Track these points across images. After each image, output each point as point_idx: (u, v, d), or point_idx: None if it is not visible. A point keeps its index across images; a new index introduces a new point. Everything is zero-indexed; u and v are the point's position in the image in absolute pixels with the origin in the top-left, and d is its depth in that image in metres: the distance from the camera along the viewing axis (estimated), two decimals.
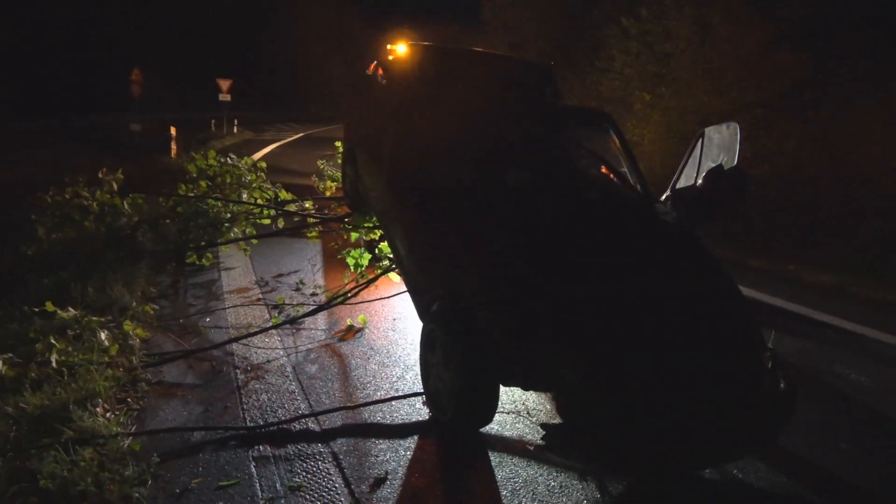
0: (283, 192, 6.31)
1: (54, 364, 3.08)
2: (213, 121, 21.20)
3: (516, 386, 2.75)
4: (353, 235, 4.56)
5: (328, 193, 6.39)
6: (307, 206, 5.97)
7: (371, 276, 4.46)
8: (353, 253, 4.44)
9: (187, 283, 5.00)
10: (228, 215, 5.63)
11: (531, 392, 3.33)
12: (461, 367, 2.76)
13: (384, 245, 4.55)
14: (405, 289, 4.16)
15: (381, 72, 4.56)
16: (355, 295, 4.37)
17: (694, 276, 2.93)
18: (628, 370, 2.41)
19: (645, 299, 2.67)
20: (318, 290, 4.98)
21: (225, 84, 20.19)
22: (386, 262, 4.56)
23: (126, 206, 5.44)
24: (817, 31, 8.78)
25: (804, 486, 2.83)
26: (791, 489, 2.79)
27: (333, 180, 6.44)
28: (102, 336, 3.41)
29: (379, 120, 4.16)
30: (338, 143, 6.37)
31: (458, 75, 4.05)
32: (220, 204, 5.61)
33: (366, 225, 4.60)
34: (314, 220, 5.29)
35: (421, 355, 3.17)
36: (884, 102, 7.98)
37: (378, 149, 3.97)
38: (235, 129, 22.33)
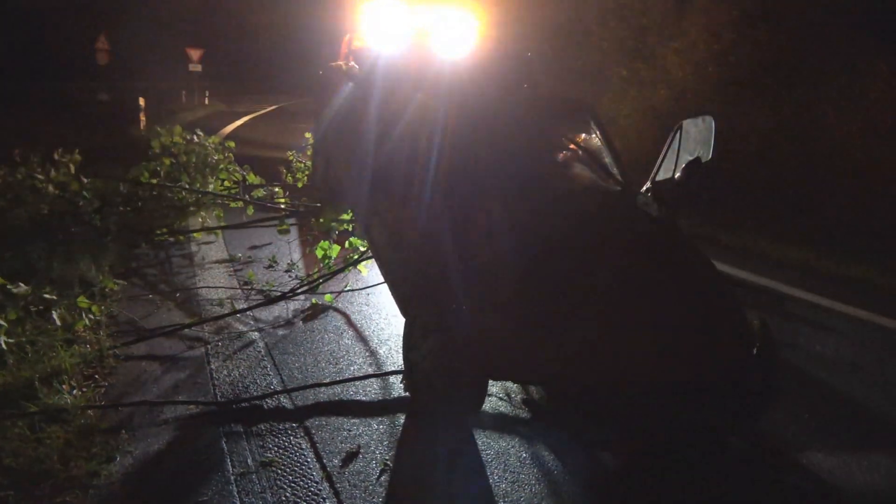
0: (251, 175, 6.02)
1: (3, 345, 3.00)
2: (183, 91, 20.72)
3: (506, 379, 2.74)
4: (326, 223, 4.42)
5: (299, 185, 6.18)
6: (277, 191, 5.76)
7: (338, 268, 4.39)
8: (322, 244, 4.35)
9: (158, 258, 4.91)
10: (193, 199, 5.46)
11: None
12: (449, 359, 2.68)
13: (355, 239, 4.48)
14: (376, 281, 4.21)
15: (351, 60, 4.55)
16: (325, 281, 4.31)
17: (676, 263, 2.98)
18: (616, 353, 2.45)
19: (630, 285, 2.71)
20: (292, 267, 4.94)
21: (196, 53, 19.70)
22: (355, 255, 4.49)
23: (84, 191, 5.20)
24: (793, 8, 8.82)
25: (764, 454, 2.90)
26: (751, 456, 2.86)
27: (304, 172, 6.23)
28: (55, 314, 3.34)
29: (355, 113, 4.13)
30: (308, 135, 6.22)
31: (437, 69, 4.05)
32: (184, 191, 5.42)
33: (341, 218, 4.52)
34: (284, 212, 5.11)
35: (404, 348, 3.06)
36: (852, 81, 8.08)
37: (356, 142, 3.92)
38: (207, 101, 21.88)
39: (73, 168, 5.08)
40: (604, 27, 12.20)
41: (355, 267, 4.50)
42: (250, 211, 5.52)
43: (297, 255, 5.22)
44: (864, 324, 4.74)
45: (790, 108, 8.77)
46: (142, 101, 13.45)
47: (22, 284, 3.49)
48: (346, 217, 4.51)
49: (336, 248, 4.37)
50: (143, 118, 13.31)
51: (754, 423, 2.88)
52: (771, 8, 9.04)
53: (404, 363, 3.06)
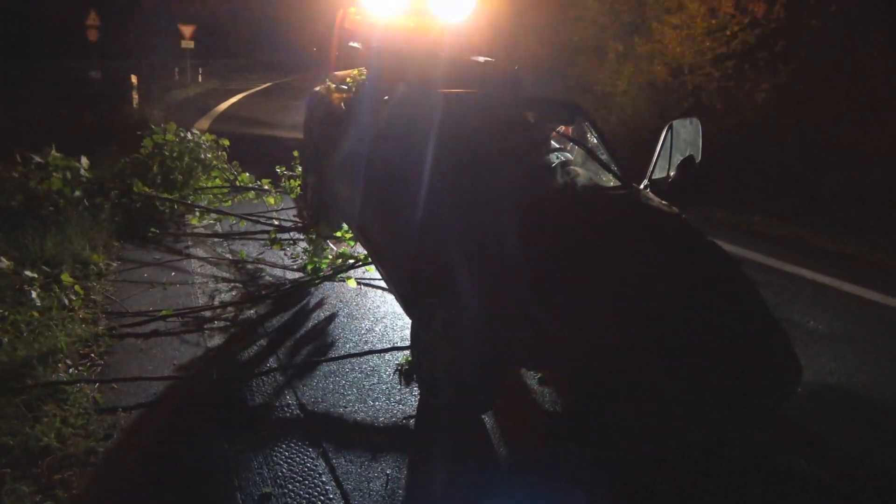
0: (243, 176, 5.97)
1: None
2: (176, 69, 20.49)
3: (523, 367, 2.64)
4: (324, 263, 4.38)
5: (292, 196, 6.01)
6: (268, 200, 5.68)
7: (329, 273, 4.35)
8: (313, 258, 4.34)
9: (151, 236, 4.89)
10: (183, 209, 5.41)
11: None
12: (464, 348, 2.59)
13: (345, 250, 4.45)
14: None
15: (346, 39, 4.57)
16: (320, 282, 4.28)
17: (694, 252, 2.96)
18: (643, 344, 2.34)
19: (653, 276, 2.64)
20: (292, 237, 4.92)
21: (188, 30, 19.43)
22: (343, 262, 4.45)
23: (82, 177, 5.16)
24: None
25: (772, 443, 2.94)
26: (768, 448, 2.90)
27: (296, 181, 6.01)
28: (33, 293, 3.32)
29: (350, 116, 4.14)
30: (295, 153, 6.10)
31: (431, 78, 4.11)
32: (175, 203, 5.34)
33: (336, 235, 4.47)
34: (278, 228, 5.02)
35: (413, 342, 3.04)
36: (848, 53, 8.03)
37: (351, 145, 3.91)
38: (200, 78, 21.63)
39: (69, 175, 4.97)
40: (600, 2, 12.06)
41: (355, 267, 4.44)
42: (242, 224, 5.26)
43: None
44: (856, 299, 4.78)
45: (786, 82, 8.72)
46: (134, 79, 13.30)
47: (3, 259, 3.48)
48: (339, 234, 4.48)
49: (326, 260, 4.34)
50: (135, 96, 13.17)
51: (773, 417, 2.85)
52: None
53: (413, 354, 3.02)
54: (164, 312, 3.55)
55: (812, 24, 8.52)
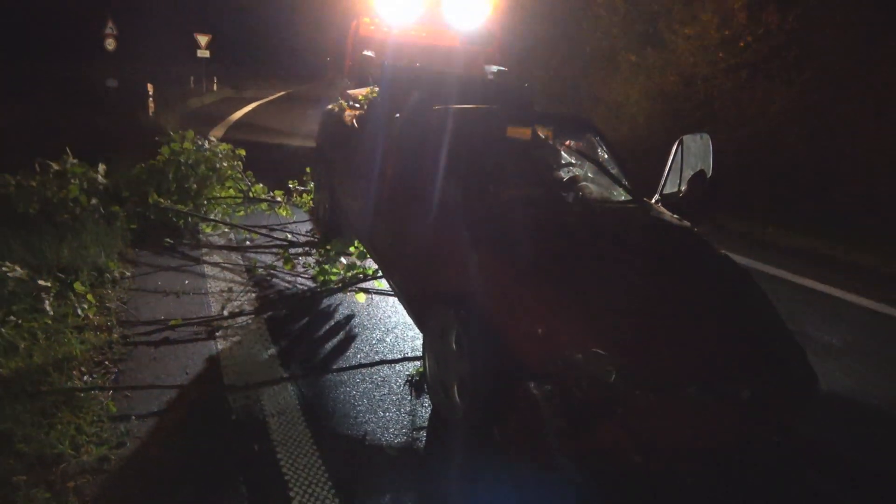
0: (257, 187, 6.04)
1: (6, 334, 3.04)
2: (191, 77, 20.70)
3: (535, 379, 2.59)
4: (334, 271, 4.40)
5: (304, 210, 6.07)
6: (280, 211, 5.76)
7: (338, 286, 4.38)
8: (324, 266, 4.37)
9: (166, 245, 4.94)
10: (196, 221, 5.46)
11: None
12: (476, 360, 2.56)
13: (356, 264, 4.47)
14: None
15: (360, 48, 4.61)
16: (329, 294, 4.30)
17: (708, 266, 2.96)
18: (659, 355, 2.32)
19: (667, 290, 2.65)
20: (304, 252, 4.97)
21: (204, 39, 19.64)
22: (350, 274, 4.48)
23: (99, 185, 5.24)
24: None
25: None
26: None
27: (308, 195, 6.05)
28: (46, 302, 3.36)
29: (365, 143, 4.17)
30: (308, 169, 6.11)
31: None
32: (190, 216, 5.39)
33: (350, 250, 4.51)
34: (291, 245, 5.04)
35: (425, 354, 3.02)
36: (863, 64, 7.97)
37: (366, 169, 3.94)
38: (215, 87, 21.86)
39: (86, 184, 5.05)
40: (613, 12, 12.08)
41: (365, 281, 4.46)
42: (255, 237, 5.34)
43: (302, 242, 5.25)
44: (871, 313, 4.73)
45: (799, 93, 8.68)
46: (150, 87, 13.47)
47: (18, 268, 3.54)
48: (352, 249, 4.51)
49: (336, 270, 4.37)
50: (151, 104, 13.34)
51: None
52: None
53: (427, 368, 2.98)
54: (172, 322, 3.58)
55: (826, 34, 8.47)
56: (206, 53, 19.78)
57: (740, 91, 9.49)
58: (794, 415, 2.51)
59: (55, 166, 5.08)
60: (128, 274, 4.28)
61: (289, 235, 5.28)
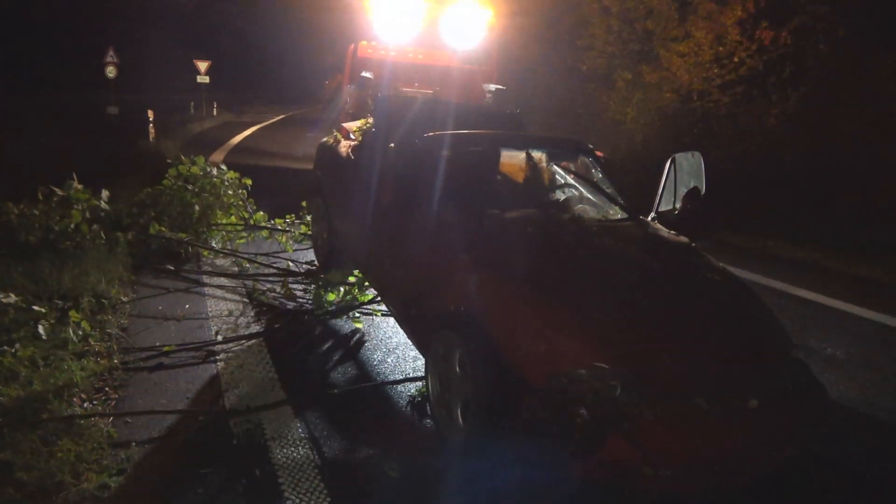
0: (258, 215, 6.09)
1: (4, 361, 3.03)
2: (191, 103, 20.89)
3: (538, 397, 2.44)
4: (331, 296, 4.44)
5: (301, 241, 6.08)
6: (280, 239, 5.76)
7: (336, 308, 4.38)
8: (320, 292, 4.38)
9: (166, 268, 4.94)
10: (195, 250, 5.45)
11: None
12: (480, 381, 2.52)
13: (355, 290, 4.50)
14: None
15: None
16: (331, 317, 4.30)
17: (709, 280, 2.96)
18: (662, 366, 2.33)
19: (670, 304, 2.65)
20: (302, 281, 4.97)
21: (203, 65, 19.86)
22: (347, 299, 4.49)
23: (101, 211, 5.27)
24: (796, 7, 8.79)
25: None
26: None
27: (297, 239, 5.97)
28: (41, 328, 3.35)
29: (361, 172, 4.22)
30: (304, 203, 6.09)
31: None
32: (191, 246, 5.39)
33: (350, 280, 4.51)
34: (290, 274, 5.01)
35: (429, 377, 2.97)
36: (858, 78, 8.04)
37: (363, 197, 3.98)
38: (215, 112, 22.04)
39: (88, 214, 5.07)
40: (608, 32, 12.21)
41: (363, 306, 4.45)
42: (256, 265, 5.30)
43: (302, 263, 5.25)
44: (874, 324, 4.71)
45: (795, 107, 8.74)
46: (150, 114, 13.59)
47: (12, 295, 3.53)
48: (351, 279, 4.51)
49: (332, 295, 4.38)
50: (152, 130, 13.46)
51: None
52: (773, 8, 9.01)
53: (431, 390, 2.94)
54: (166, 349, 3.55)
55: (820, 49, 8.56)
56: (206, 79, 19.98)
57: (736, 106, 9.56)
58: (806, 424, 2.48)
59: (59, 192, 5.11)
60: (128, 299, 4.28)
61: (290, 264, 5.25)
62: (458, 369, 2.71)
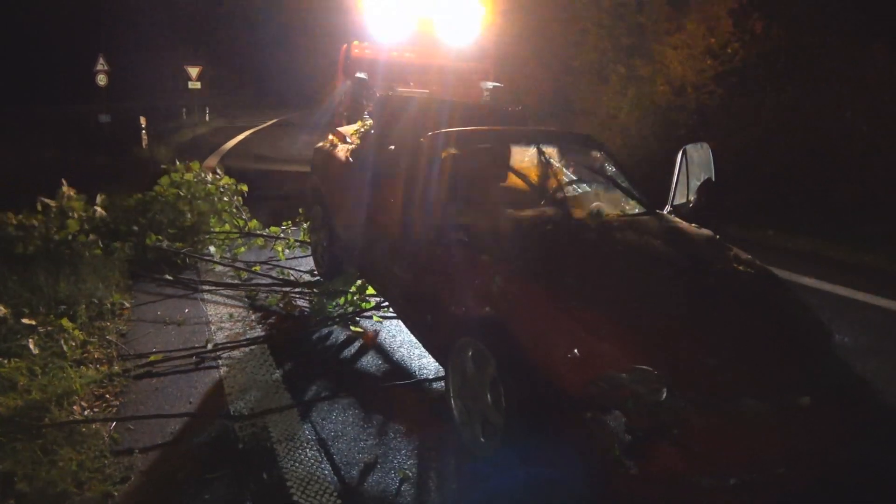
0: (253, 223, 5.97)
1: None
2: (183, 109, 20.81)
3: (576, 406, 2.27)
4: (330, 306, 4.33)
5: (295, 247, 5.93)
6: (276, 248, 5.62)
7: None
8: (321, 301, 4.32)
9: (165, 274, 4.87)
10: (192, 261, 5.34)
11: None
12: (517, 392, 2.37)
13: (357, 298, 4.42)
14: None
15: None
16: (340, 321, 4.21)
17: (740, 271, 2.86)
18: (708, 367, 2.19)
19: (705, 296, 2.56)
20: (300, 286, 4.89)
21: (194, 71, 19.76)
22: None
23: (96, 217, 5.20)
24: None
25: None
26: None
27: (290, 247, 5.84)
28: (30, 342, 3.26)
29: (363, 176, 4.08)
30: (301, 210, 5.98)
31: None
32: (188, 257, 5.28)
33: (351, 290, 4.45)
34: (289, 283, 4.86)
35: (450, 390, 2.83)
36: (852, 67, 8.02)
37: (367, 202, 3.88)
38: (207, 117, 21.95)
39: (86, 224, 5.02)
40: (600, 26, 12.17)
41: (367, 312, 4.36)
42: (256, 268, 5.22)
43: (301, 268, 5.20)
44: (880, 311, 4.68)
45: (790, 97, 8.72)
46: (143, 121, 13.50)
47: (2, 307, 3.47)
48: (353, 288, 4.45)
49: (332, 304, 4.33)
50: (145, 137, 13.37)
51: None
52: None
53: (453, 401, 2.81)
54: (152, 358, 3.45)
55: (812, 41, 8.53)
56: (198, 85, 19.88)
57: (731, 98, 9.53)
58: (862, 421, 2.34)
59: (54, 205, 5.03)
60: (127, 304, 4.22)
61: (290, 273, 5.10)
62: (481, 375, 2.57)
